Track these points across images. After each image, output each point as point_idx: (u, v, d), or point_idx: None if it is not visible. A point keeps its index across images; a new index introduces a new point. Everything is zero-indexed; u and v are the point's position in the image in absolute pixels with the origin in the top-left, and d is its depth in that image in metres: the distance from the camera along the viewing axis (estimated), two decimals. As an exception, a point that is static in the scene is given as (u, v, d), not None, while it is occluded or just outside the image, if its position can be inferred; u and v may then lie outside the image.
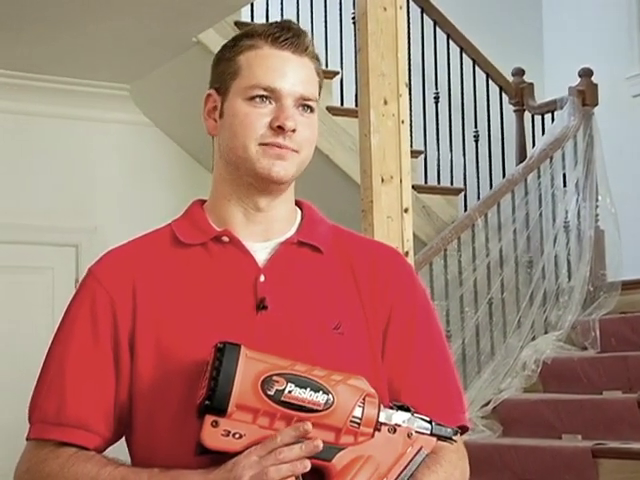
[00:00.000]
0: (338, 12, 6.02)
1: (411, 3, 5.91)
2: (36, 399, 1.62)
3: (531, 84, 6.46)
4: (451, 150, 6.30)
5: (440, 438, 1.55)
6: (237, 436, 1.44)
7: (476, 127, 6.34)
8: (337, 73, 5.93)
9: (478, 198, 6.11)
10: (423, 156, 6.22)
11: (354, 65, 4.83)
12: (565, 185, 5.93)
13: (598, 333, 5.40)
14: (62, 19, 4.89)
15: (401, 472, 1.51)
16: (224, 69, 1.67)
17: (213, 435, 1.44)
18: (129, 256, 1.67)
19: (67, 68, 5.67)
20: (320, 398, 1.45)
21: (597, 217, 5.94)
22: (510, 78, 6.49)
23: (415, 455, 1.52)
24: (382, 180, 3.73)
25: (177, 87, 5.73)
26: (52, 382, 1.60)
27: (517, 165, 6.09)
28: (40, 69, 5.66)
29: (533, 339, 5.54)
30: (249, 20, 5.61)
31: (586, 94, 6.03)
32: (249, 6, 5.48)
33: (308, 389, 1.45)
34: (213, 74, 1.71)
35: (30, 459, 1.60)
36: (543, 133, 6.26)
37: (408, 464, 1.52)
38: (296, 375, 1.45)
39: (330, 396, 1.46)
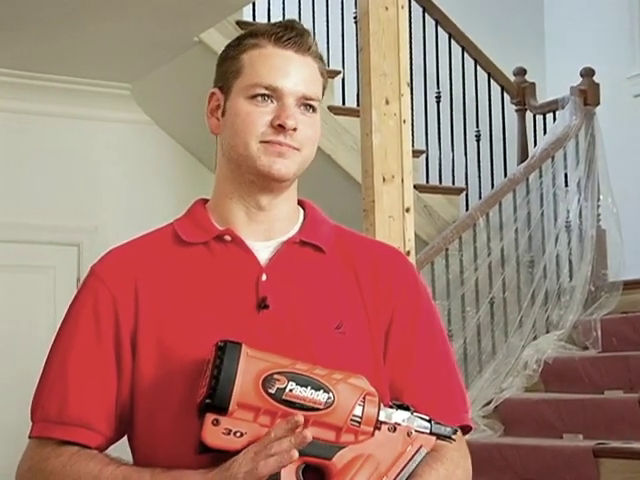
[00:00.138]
0: (340, 11, 6.02)
1: (413, 3, 5.92)
2: (38, 398, 1.62)
3: (533, 84, 6.46)
4: (453, 150, 6.30)
5: (439, 437, 1.55)
6: (238, 435, 1.44)
7: (478, 127, 6.34)
8: (339, 72, 5.93)
9: (479, 198, 6.11)
10: (425, 156, 6.22)
11: (356, 64, 4.82)
12: (567, 185, 5.93)
13: (599, 333, 5.40)
14: (64, 18, 4.89)
15: (401, 471, 1.51)
16: (227, 68, 1.68)
17: (214, 434, 1.44)
18: (131, 255, 1.67)
19: (69, 67, 5.67)
20: (321, 397, 1.46)
21: (599, 217, 5.94)
22: (512, 78, 6.49)
23: (415, 454, 1.53)
24: (384, 180, 3.73)
25: (179, 86, 5.73)
26: (54, 381, 1.61)
27: (519, 165, 6.09)
28: (42, 68, 5.67)
29: (534, 339, 5.53)
30: (251, 19, 5.62)
31: (588, 94, 6.03)
32: (251, 5, 5.48)
33: (309, 388, 1.45)
34: (217, 73, 1.72)
35: (32, 457, 1.60)
36: (545, 133, 6.26)
37: (408, 463, 1.52)
38: (297, 374, 1.46)
39: (331, 395, 1.46)
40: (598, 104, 6.06)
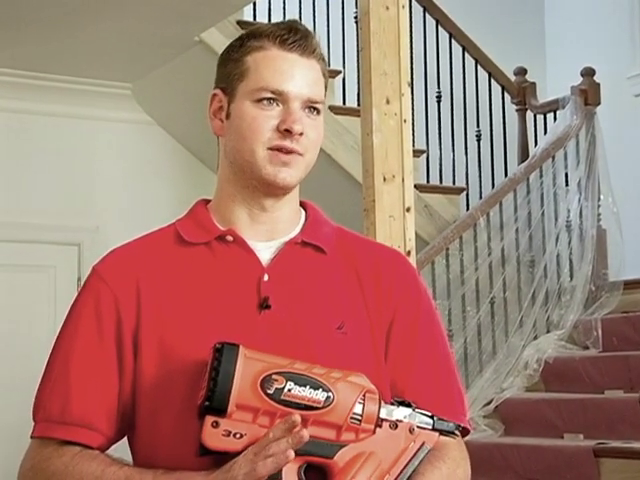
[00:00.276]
0: (340, 11, 6.02)
1: (413, 2, 5.92)
2: (40, 398, 1.62)
3: (533, 83, 6.46)
4: (453, 149, 6.30)
5: (442, 433, 1.55)
6: (238, 436, 1.44)
7: (478, 126, 6.34)
8: (339, 72, 5.93)
9: (480, 197, 6.10)
10: (425, 155, 6.21)
11: (356, 64, 4.82)
12: (567, 184, 5.93)
13: (600, 332, 5.40)
14: (64, 18, 4.89)
15: (404, 468, 1.51)
16: (231, 70, 1.67)
17: (214, 435, 1.44)
18: (133, 255, 1.67)
19: (69, 67, 5.67)
20: (320, 396, 1.46)
21: (599, 216, 5.94)
22: (512, 77, 6.49)
23: (418, 450, 1.52)
24: (384, 179, 3.73)
25: (179, 86, 5.73)
26: (56, 381, 1.61)
27: (519, 164, 6.09)
28: (42, 68, 5.67)
29: (535, 338, 5.54)
30: (251, 19, 5.61)
31: (588, 93, 6.03)
32: (251, 5, 5.48)
33: (308, 387, 1.45)
34: (219, 74, 1.71)
35: (34, 457, 1.60)
36: (545, 132, 6.26)
37: (411, 459, 1.52)
38: (295, 373, 1.46)
39: (330, 393, 1.46)
40: (598, 104, 6.06)
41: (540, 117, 6.41)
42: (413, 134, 4.22)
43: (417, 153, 5.79)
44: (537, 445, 4.76)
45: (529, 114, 6.45)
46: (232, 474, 1.43)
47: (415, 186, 4.41)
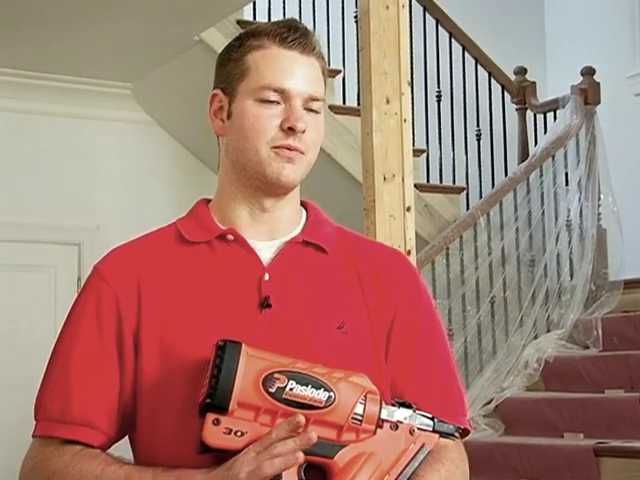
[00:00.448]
0: (340, 10, 6.02)
1: (413, 2, 5.92)
2: (41, 397, 1.63)
3: (533, 83, 6.46)
4: (453, 149, 6.30)
5: (442, 435, 1.55)
6: (239, 434, 1.44)
7: (478, 126, 6.33)
8: (339, 72, 5.93)
9: (480, 197, 6.10)
10: (425, 155, 6.22)
11: (356, 64, 4.82)
12: (567, 184, 5.93)
13: (600, 332, 5.40)
14: (64, 18, 4.89)
15: (404, 469, 1.51)
16: (231, 70, 1.67)
17: (215, 433, 1.44)
18: (134, 254, 1.67)
19: (69, 67, 5.67)
20: (321, 395, 1.46)
21: (599, 216, 5.94)
22: (512, 77, 6.49)
23: (418, 452, 1.52)
24: (384, 179, 3.73)
25: (179, 86, 5.73)
26: (57, 380, 1.61)
27: (519, 164, 6.09)
28: (42, 68, 5.67)
29: (535, 338, 5.54)
30: (251, 19, 5.61)
31: (588, 93, 6.03)
32: (251, 4, 5.48)
33: (309, 386, 1.45)
34: (219, 74, 1.71)
35: (35, 457, 1.60)
36: (545, 132, 6.26)
37: (411, 461, 1.52)
38: (297, 372, 1.46)
39: (331, 393, 1.46)
40: (599, 103, 6.06)
41: (540, 116, 6.41)
42: (413, 134, 4.22)
43: (417, 153, 5.80)
44: (537, 444, 4.77)
45: (529, 113, 6.46)
46: (234, 472, 1.43)
47: (415, 186, 4.41)
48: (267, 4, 5.75)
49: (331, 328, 1.61)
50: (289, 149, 1.62)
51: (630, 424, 4.60)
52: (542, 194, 5.84)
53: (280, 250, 1.66)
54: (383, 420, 1.50)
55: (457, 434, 1.58)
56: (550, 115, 6.29)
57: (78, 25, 4.99)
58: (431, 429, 1.54)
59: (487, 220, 5.61)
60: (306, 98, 1.64)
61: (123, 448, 1.64)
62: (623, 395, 4.88)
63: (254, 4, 5.57)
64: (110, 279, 1.63)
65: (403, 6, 3.85)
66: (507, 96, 6.45)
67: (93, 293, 1.64)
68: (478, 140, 6.33)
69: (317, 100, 1.65)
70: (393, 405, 1.53)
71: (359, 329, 1.63)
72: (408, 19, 4.04)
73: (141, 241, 1.70)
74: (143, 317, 1.60)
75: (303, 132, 1.62)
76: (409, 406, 1.54)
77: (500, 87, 6.44)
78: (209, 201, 1.74)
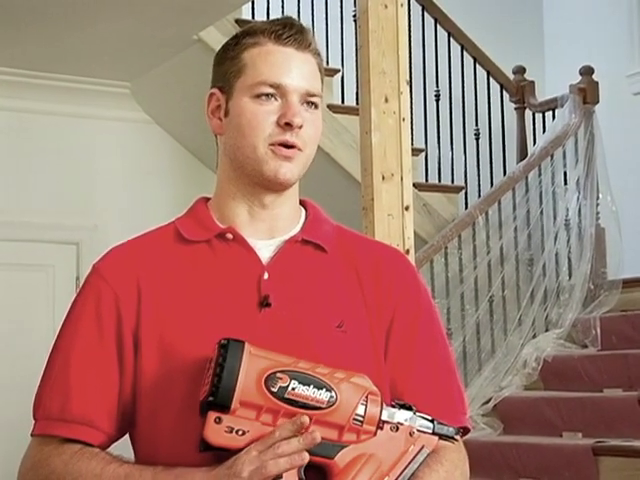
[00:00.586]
0: (339, 9, 6.02)
1: (412, 1, 5.91)
2: (40, 395, 1.62)
3: (532, 82, 6.46)
4: (452, 148, 6.30)
5: (442, 437, 1.55)
6: (240, 433, 1.44)
7: (477, 125, 6.33)
8: (338, 71, 5.93)
9: (479, 196, 6.11)
10: (424, 154, 6.22)
11: (355, 63, 4.82)
12: (566, 183, 5.93)
13: (599, 331, 5.40)
14: (63, 18, 4.89)
15: (403, 470, 1.51)
16: (227, 68, 1.67)
17: (216, 432, 1.44)
18: (133, 253, 1.67)
19: (68, 66, 5.67)
20: (323, 395, 1.46)
21: (598, 215, 5.94)
22: (511, 76, 6.49)
23: (417, 454, 1.52)
24: (383, 178, 3.73)
25: (178, 85, 5.73)
26: (57, 379, 1.61)
27: (518, 163, 6.09)
28: (41, 67, 5.66)
29: (534, 337, 5.54)
30: (250, 18, 5.61)
31: (587, 92, 6.03)
32: (250, 4, 5.48)
33: (311, 386, 1.45)
34: (215, 73, 1.71)
35: (34, 455, 1.60)
36: (544, 131, 6.26)
37: (410, 462, 1.52)
38: (300, 372, 1.46)
39: (333, 394, 1.46)
40: (597, 102, 6.06)
41: (539, 116, 6.41)
42: (412, 133, 4.23)
43: (416, 152, 5.79)
44: (536, 444, 4.77)
45: (528, 113, 6.45)
46: (235, 470, 1.42)
47: (414, 185, 4.42)
48: (266, 3, 5.75)
49: (330, 327, 1.61)
50: (286, 146, 1.62)
51: (629, 423, 4.60)
52: (541, 193, 5.84)
53: (279, 249, 1.66)
54: (384, 421, 1.50)
55: (457, 437, 1.58)
56: (549, 114, 6.29)
57: (77, 24, 4.99)
58: (431, 431, 1.54)
59: (486, 219, 5.61)
60: (303, 94, 1.64)
61: (123, 447, 1.64)
62: (622, 394, 4.88)
63: (252, 3, 5.57)
64: (109, 278, 1.63)
65: (402, 5, 3.85)
66: (506, 95, 6.45)
67: (92, 292, 1.64)
68: (477, 139, 6.33)
69: (314, 95, 1.66)
70: (393, 406, 1.53)
71: (358, 328, 1.63)
72: (407, 18, 4.04)
73: (140, 240, 1.70)
74: (142, 316, 1.60)
75: (300, 127, 1.62)
76: (409, 408, 1.54)
77: (499, 86, 6.44)
78: (208, 200, 1.74)
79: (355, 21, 4.89)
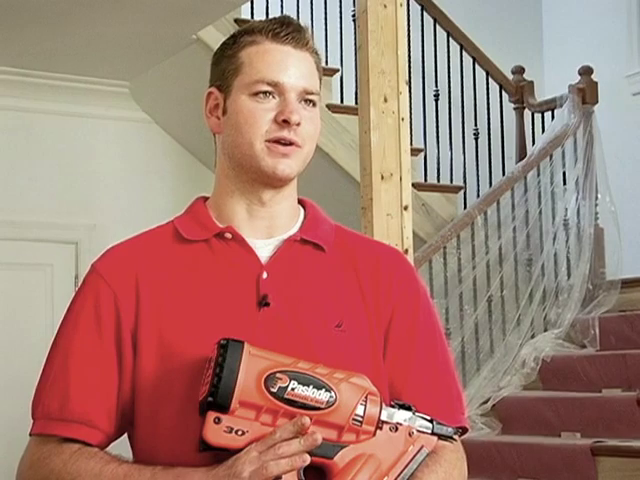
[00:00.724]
0: (338, 9, 6.02)
1: (411, 1, 5.91)
2: (39, 395, 1.62)
3: (531, 82, 6.46)
4: (451, 148, 6.30)
5: (441, 437, 1.55)
6: (240, 433, 1.44)
7: (476, 125, 6.33)
8: (337, 70, 5.93)
9: (478, 196, 6.10)
10: (423, 154, 6.22)
11: (354, 62, 4.82)
12: (565, 183, 5.93)
13: (597, 331, 5.40)
14: (62, 17, 4.89)
15: (402, 470, 1.51)
16: (225, 66, 1.67)
17: (215, 432, 1.44)
18: (132, 252, 1.67)
19: (67, 65, 5.67)
20: (323, 396, 1.45)
21: (597, 215, 5.94)
22: (510, 76, 6.49)
23: (416, 454, 1.52)
24: (382, 177, 3.74)
25: (177, 84, 5.73)
26: (56, 378, 1.60)
27: (517, 163, 6.09)
28: (40, 66, 5.66)
29: (532, 337, 5.54)
30: (249, 17, 5.61)
31: (586, 92, 6.03)
32: (249, 3, 5.48)
33: (311, 387, 1.45)
34: (213, 72, 1.71)
35: (33, 455, 1.60)
36: (543, 131, 6.26)
37: (409, 463, 1.52)
38: (299, 372, 1.45)
39: (333, 394, 1.46)
40: (596, 102, 6.06)
41: (538, 116, 6.41)
42: (411, 132, 4.23)
43: (415, 151, 5.79)
44: (534, 443, 4.77)
45: (527, 113, 6.45)
46: (235, 470, 1.42)
47: (413, 184, 4.42)
48: (265, 3, 5.75)
49: (329, 326, 1.61)
50: (284, 142, 1.62)
51: (627, 423, 4.60)
52: (539, 193, 5.84)
53: (278, 248, 1.66)
54: (383, 422, 1.50)
55: (456, 437, 1.58)
56: (548, 114, 6.29)
57: (76, 24, 4.99)
58: (430, 431, 1.54)
59: (484, 219, 5.61)
60: (300, 91, 1.64)
61: (122, 447, 1.63)
62: (620, 394, 4.88)
63: (252, 3, 5.57)
64: (108, 277, 1.63)
65: (401, 5, 3.85)
66: (505, 95, 6.45)
67: (91, 291, 1.64)
68: (476, 139, 6.33)
69: (312, 93, 1.66)
70: (393, 407, 1.53)
71: (357, 327, 1.63)
72: (406, 18, 4.05)
73: (139, 239, 1.70)
74: (141, 315, 1.60)
75: (298, 125, 1.62)
76: (409, 408, 1.54)
77: (498, 86, 6.44)
78: (206, 199, 1.74)
79: (354, 21, 4.89)
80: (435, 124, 6.24)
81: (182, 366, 1.55)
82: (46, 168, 5.90)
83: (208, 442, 1.44)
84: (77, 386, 1.58)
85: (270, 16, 5.41)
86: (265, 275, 1.62)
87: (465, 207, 6.05)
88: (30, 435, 1.62)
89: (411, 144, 4.14)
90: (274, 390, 1.44)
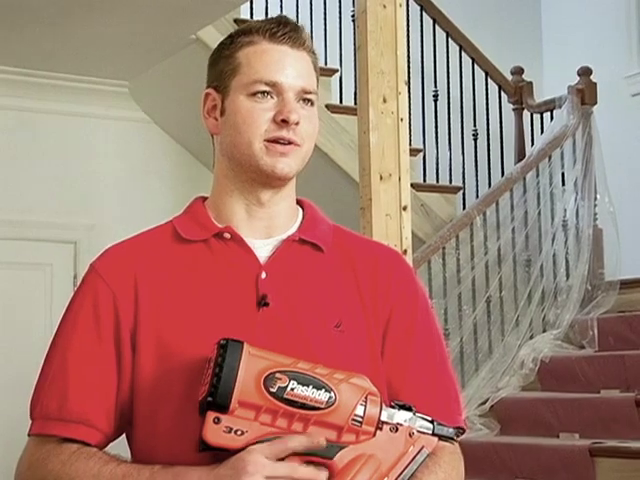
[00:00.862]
0: (337, 10, 6.02)
1: (410, 1, 5.91)
2: (38, 395, 1.62)
3: (530, 83, 6.46)
4: (450, 148, 6.30)
5: (441, 438, 1.55)
6: (239, 433, 1.44)
7: (475, 125, 6.34)
8: (336, 71, 5.93)
9: (477, 196, 6.11)
10: (422, 154, 6.22)
11: (353, 63, 4.82)
12: (564, 184, 5.93)
13: (596, 332, 5.40)
14: (61, 16, 4.89)
15: (402, 471, 1.51)
16: (223, 67, 1.67)
17: (215, 432, 1.43)
18: (131, 252, 1.67)
19: (66, 65, 5.67)
20: (322, 396, 1.45)
21: (595, 216, 5.94)
22: (509, 77, 6.49)
23: (416, 454, 1.52)
24: (381, 178, 3.74)
25: (176, 84, 5.73)
26: (54, 378, 1.60)
27: (516, 164, 6.10)
28: (39, 66, 5.66)
29: (531, 337, 5.54)
30: (248, 17, 5.61)
31: (585, 93, 6.04)
32: (248, 3, 5.48)
33: (311, 387, 1.45)
34: (211, 73, 1.71)
35: (32, 456, 1.59)
36: (542, 132, 6.26)
37: (409, 463, 1.51)
38: (299, 373, 1.45)
39: (332, 394, 1.46)
40: (595, 103, 6.06)
41: (537, 116, 6.42)
42: (410, 133, 4.23)
43: (414, 152, 5.79)
44: (533, 444, 4.77)
45: (526, 113, 6.46)
46: (237, 470, 1.41)
47: (412, 185, 4.42)
48: (264, 3, 5.75)
49: (328, 326, 1.61)
50: (283, 141, 1.62)
51: (626, 424, 4.60)
52: (538, 194, 5.84)
53: (277, 248, 1.66)
54: (383, 422, 1.50)
55: (456, 437, 1.58)
56: (547, 115, 6.29)
57: (75, 23, 4.99)
58: (430, 432, 1.54)
59: (483, 220, 5.62)
60: (298, 91, 1.64)
61: (121, 447, 1.63)
62: (619, 395, 4.88)
63: (251, 3, 5.57)
64: (107, 277, 1.63)
65: (400, 5, 3.85)
66: (504, 96, 6.46)
67: (90, 291, 1.63)
68: (475, 140, 6.33)
69: (310, 93, 1.66)
70: (393, 407, 1.53)
71: (356, 328, 1.63)
72: (405, 18, 4.05)
73: (138, 239, 1.70)
74: (140, 315, 1.60)
75: (297, 124, 1.62)
76: (409, 409, 1.53)
77: (497, 87, 6.44)
78: (205, 199, 1.74)
79: (354, 21, 4.89)
80: (434, 124, 6.24)
81: (181, 366, 1.55)
82: (45, 168, 5.90)
83: (207, 442, 1.44)
84: (76, 386, 1.58)
85: (270, 16, 5.43)
86: (264, 275, 1.62)
87: (464, 208, 6.05)
88: (29, 435, 1.62)
89: (410, 144, 4.14)
90: (273, 390, 1.43)
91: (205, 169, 5.88)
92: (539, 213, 5.83)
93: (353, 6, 4.99)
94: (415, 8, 6.16)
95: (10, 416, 4.36)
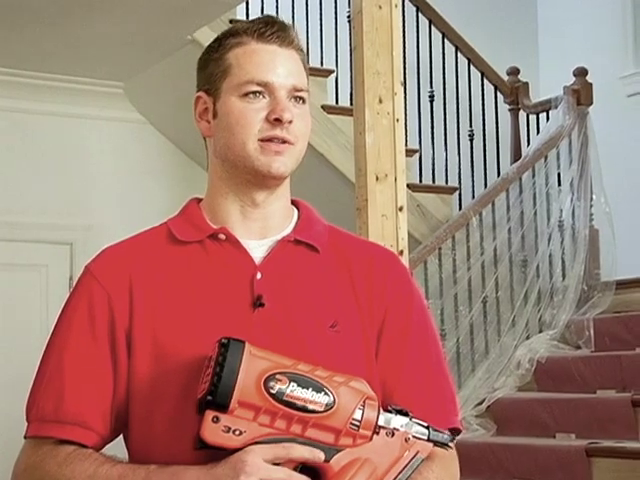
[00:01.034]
0: (333, 10, 6.01)
1: (406, 2, 5.92)
2: (34, 396, 1.62)
3: (526, 83, 6.47)
4: (446, 149, 6.30)
5: (437, 444, 1.55)
6: (237, 433, 1.44)
7: (471, 126, 6.34)
8: (332, 71, 5.92)
9: (473, 197, 6.11)
10: (418, 155, 6.22)
11: (349, 63, 4.82)
12: (560, 184, 5.94)
13: (592, 332, 5.41)
14: (57, 18, 4.88)
15: (397, 476, 1.51)
16: (212, 70, 1.68)
17: (213, 431, 1.43)
18: (126, 253, 1.67)
19: (62, 66, 5.66)
20: (322, 399, 1.45)
21: (591, 216, 5.95)
22: (505, 77, 6.50)
23: (411, 459, 1.52)
24: (377, 178, 3.74)
25: (172, 85, 5.72)
26: (50, 380, 1.60)
27: (512, 164, 6.10)
28: (34, 67, 5.65)
29: (527, 338, 5.54)
30: (244, 18, 5.60)
31: (581, 93, 6.04)
32: (244, 4, 5.47)
33: (310, 389, 1.45)
34: (200, 76, 1.72)
35: (28, 458, 1.59)
36: (538, 132, 6.27)
37: (404, 468, 1.51)
38: (299, 375, 1.45)
39: (331, 397, 1.46)
40: (591, 104, 6.07)
41: (533, 117, 6.42)
42: (406, 133, 4.23)
43: (410, 152, 5.79)
44: (529, 445, 4.77)
45: (522, 114, 6.46)
46: (235, 470, 1.41)
47: (408, 185, 4.42)
48: (260, 3, 5.74)
49: (324, 327, 1.61)
50: (277, 140, 1.62)
51: (622, 424, 4.60)
52: (534, 194, 5.85)
53: (272, 249, 1.66)
54: (380, 426, 1.50)
55: (451, 444, 1.57)
56: (543, 115, 6.30)
57: (71, 24, 4.98)
58: (426, 438, 1.54)
59: (479, 220, 5.62)
60: (290, 89, 1.64)
61: (118, 448, 1.63)
62: (615, 395, 4.88)
63: (247, 3, 5.56)
64: (102, 279, 1.63)
65: (396, 6, 3.85)
66: (500, 96, 6.46)
67: (85, 293, 1.63)
68: (471, 140, 6.34)
69: (301, 90, 1.66)
70: (390, 412, 1.53)
71: (351, 328, 1.63)
72: (401, 19, 4.05)
73: (133, 241, 1.70)
74: (135, 317, 1.60)
75: (290, 122, 1.62)
76: (406, 414, 1.54)
77: (493, 87, 6.44)
78: (200, 200, 1.74)
79: (349, 22, 4.89)
80: (430, 125, 6.24)
81: (177, 367, 1.54)
82: (41, 169, 5.89)
83: (205, 440, 1.44)
84: (71, 388, 1.58)
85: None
86: (259, 276, 1.62)
87: (460, 208, 6.05)
88: (25, 438, 1.62)
89: (406, 145, 4.13)
90: (273, 391, 1.43)
91: (200, 169, 5.87)
92: (535, 213, 5.84)
93: (349, 7, 5.00)
94: (411, 9, 6.16)
95: (6, 417, 4.36)
